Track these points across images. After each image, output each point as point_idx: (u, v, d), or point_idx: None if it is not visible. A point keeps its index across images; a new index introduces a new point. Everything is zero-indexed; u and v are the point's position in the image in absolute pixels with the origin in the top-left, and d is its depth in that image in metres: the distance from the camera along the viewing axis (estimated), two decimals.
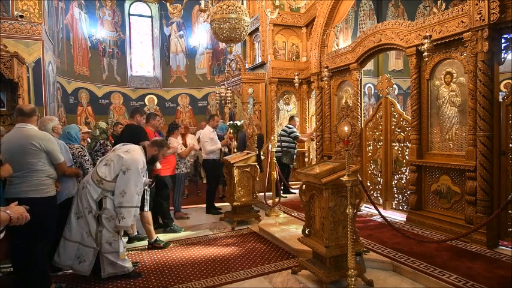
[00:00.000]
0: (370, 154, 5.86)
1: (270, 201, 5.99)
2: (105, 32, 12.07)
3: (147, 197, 4.42)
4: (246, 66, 8.60)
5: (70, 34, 10.57)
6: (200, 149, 9.31)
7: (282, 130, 7.39)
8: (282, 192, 6.75)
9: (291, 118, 7.59)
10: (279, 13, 7.19)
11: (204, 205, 6.68)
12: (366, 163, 5.92)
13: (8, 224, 1.71)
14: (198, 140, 9.55)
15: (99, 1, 11.90)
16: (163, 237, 4.91)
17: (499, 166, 3.96)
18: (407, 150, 5.13)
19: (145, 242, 4.72)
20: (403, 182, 5.30)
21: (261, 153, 6.90)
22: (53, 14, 8.69)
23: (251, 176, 5.68)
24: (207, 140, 6.36)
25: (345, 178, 2.96)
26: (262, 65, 8.38)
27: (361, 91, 6.12)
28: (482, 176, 3.95)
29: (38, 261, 3.17)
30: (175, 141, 5.78)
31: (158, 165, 4.83)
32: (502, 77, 4.81)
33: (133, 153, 3.65)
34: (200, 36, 12.66)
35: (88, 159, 4.15)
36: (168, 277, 3.67)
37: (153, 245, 4.54)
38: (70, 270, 3.66)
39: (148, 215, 4.51)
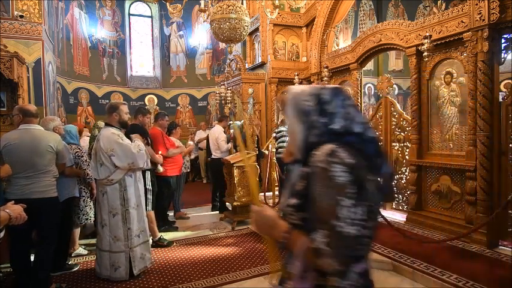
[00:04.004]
0: None
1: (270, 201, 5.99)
2: (105, 32, 12.05)
3: (150, 196, 4.43)
4: (246, 66, 8.60)
5: (70, 34, 10.56)
6: (200, 149, 9.31)
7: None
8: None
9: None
10: (279, 13, 7.19)
11: (204, 205, 6.69)
12: None
13: (8, 223, 1.72)
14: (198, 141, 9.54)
15: (99, 1, 11.89)
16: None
17: (499, 166, 3.96)
18: (407, 150, 5.13)
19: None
20: (403, 182, 5.30)
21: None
22: (53, 14, 8.68)
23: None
24: (223, 139, 6.37)
25: None
26: (262, 65, 8.38)
27: (361, 91, 6.12)
28: (482, 176, 3.95)
29: (43, 260, 3.19)
30: (177, 141, 5.77)
31: (160, 169, 4.83)
32: (502, 77, 4.81)
33: (103, 137, 3.57)
34: (200, 36, 12.65)
35: (85, 160, 4.15)
36: (168, 277, 3.67)
37: (157, 244, 4.56)
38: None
39: (151, 214, 4.53)
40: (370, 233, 1.07)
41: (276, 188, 6.28)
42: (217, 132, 6.46)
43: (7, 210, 1.71)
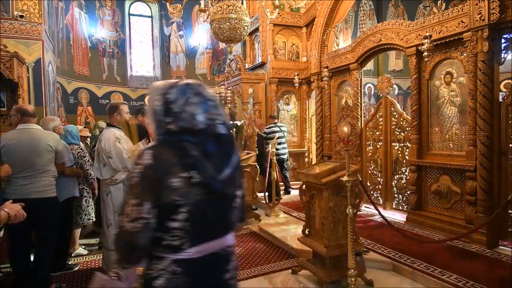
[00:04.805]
0: (370, 154, 5.85)
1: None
2: (105, 32, 12.06)
3: None
4: (246, 66, 8.60)
5: (70, 34, 10.56)
6: None
7: (283, 131, 7.15)
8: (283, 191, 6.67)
9: (275, 117, 7.44)
10: (279, 13, 7.19)
11: None
12: (366, 163, 5.92)
13: (7, 222, 1.73)
14: None
15: (99, 1, 11.90)
16: None
17: (499, 166, 3.96)
18: (407, 150, 5.13)
19: None
20: (403, 182, 5.30)
21: None
22: (53, 14, 8.68)
23: (251, 176, 5.67)
24: None
25: (345, 178, 2.96)
26: (262, 65, 8.38)
27: (361, 91, 6.12)
28: (482, 176, 3.95)
29: (43, 260, 3.18)
30: None
31: None
32: (502, 77, 4.81)
33: (105, 138, 3.53)
34: (200, 36, 12.66)
35: (88, 160, 4.14)
36: None
37: None
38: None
39: None
40: (183, 225, 1.16)
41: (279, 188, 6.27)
42: None
43: (6, 209, 1.71)
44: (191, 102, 1.22)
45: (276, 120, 7.33)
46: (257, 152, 6.11)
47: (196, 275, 1.21)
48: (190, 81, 1.30)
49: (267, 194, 6.10)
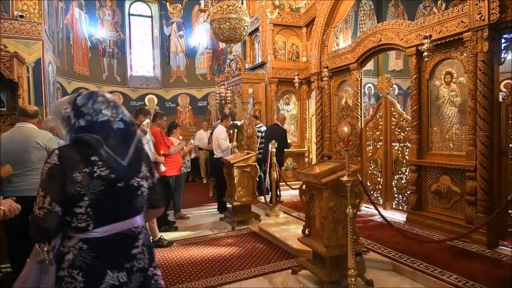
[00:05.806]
0: (370, 154, 5.85)
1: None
2: (105, 32, 12.05)
3: None
4: (246, 66, 8.60)
5: (70, 34, 10.56)
6: (200, 149, 9.32)
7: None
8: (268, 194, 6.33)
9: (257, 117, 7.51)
10: (279, 13, 7.19)
11: (204, 205, 6.68)
12: (366, 163, 5.92)
13: (4, 218, 1.74)
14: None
15: (99, 1, 11.89)
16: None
17: (499, 166, 3.96)
18: (407, 150, 5.13)
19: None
20: (403, 182, 5.30)
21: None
22: (53, 14, 8.68)
23: (251, 176, 5.68)
24: (224, 137, 6.38)
25: (345, 178, 2.96)
26: (262, 65, 8.38)
27: (361, 91, 6.12)
28: (482, 176, 3.95)
29: None
30: (176, 141, 5.77)
31: (162, 168, 4.82)
32: (502, 77, 4.81)
33: None
34: (200, 36, 12.65)
35: None
36: (168, 277, 3.67)
37: (157, 244, 4.55)
38: None
39: None
40: (86, 211, 1.39)
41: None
42: (218, 131, 6.48)
43: (2, 207, 1.73)
44: (98, 101, 1.48)
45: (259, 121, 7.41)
46: (275, 148, 5.96)
47: (101, 251, 1.41)
48: (92, 90, 1.57)
49: (269, 194, 6.12)
